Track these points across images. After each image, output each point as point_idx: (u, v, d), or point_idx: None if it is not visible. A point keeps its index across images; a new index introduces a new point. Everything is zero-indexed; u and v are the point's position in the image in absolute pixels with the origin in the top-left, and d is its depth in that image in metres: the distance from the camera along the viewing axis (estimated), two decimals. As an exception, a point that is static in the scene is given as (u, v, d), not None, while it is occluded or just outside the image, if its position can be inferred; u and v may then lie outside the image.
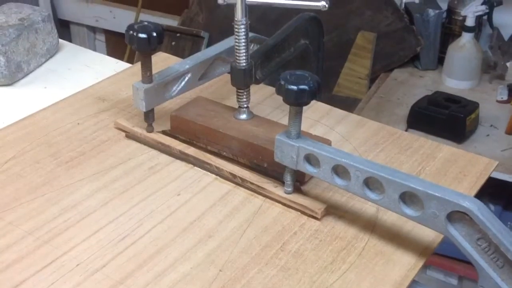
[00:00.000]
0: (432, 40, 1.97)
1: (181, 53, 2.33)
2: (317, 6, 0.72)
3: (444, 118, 1.67)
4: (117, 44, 2.71)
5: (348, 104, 1.94)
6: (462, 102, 1.71)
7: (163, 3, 2.55)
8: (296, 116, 0.67)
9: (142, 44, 0.75)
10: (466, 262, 1.80)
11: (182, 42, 2.36)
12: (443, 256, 1.77)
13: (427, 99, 1.74)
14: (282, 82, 0.65)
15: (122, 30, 2.85)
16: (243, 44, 0.76)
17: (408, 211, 0.61)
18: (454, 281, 1.83)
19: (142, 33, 0.75)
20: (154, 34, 0.75)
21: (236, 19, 0.75)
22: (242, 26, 0.75)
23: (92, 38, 2.84)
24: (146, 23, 0.77)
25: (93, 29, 2.83)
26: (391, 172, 0.62)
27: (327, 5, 0.71)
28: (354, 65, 2.07)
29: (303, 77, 0.65)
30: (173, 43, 2.39)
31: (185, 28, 2.36)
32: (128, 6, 2.62)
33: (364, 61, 2.05)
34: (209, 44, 2.31)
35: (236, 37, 0.76)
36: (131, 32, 0.75)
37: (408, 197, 0.61)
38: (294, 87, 0.64)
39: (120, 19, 2.65)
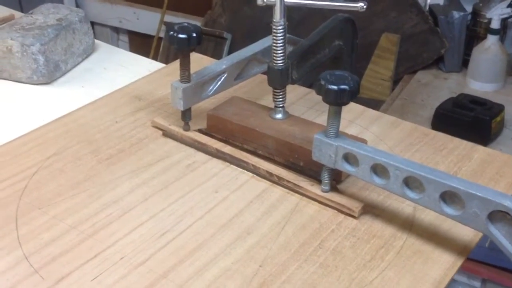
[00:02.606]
0: (456, 42, 1.97)
1: (204, 54, 2.35)
2: (355, 7, 0.73)
3: (469, 121, 1.67)
4: (140, 45, 2.74)
5: (371, 106, 1.93)
6: (487, 105, 1.71)
7: (186, 5, 2.57)
8: (335, 115, 0.68)
9: (182, 44, 0.77)
10: (490, 265, 1.79)
11: (205, 43, 2.38)
12: (467, 259, 1.77)
13: (452, 101, 1.74)
14: (322, 82, 0.66)
15: (146, 31, 2.86)
16: (281, 44, 0.77)
17: (449, 210, 0.62)
18: (477, 284, 1.82)
19: (182, 33, 0.77)
20: (194, 34, 0.77)
21: (274, 20, 0.76)
22: (280, 27, 0.76)
23: (115, 39, 2.88)
24: (185, 24, 0.78)
25: (116, 30, 2.87)
26: (432, 171, 0.62)
27: (365, 6, 0.72)
28: (378, 67, 2.07)
29: (343, 77, 0.66)
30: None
31: (208, 29, 2.38)
32: (152, 7, 2.65)
33: (387, 63, 2.05)
34: (231, 45, 2.33)
35: (274, 37, 0.77)
36: (171, 32, 0.77)
37: (448, 197, 0.62)
38: (335, 87, 0.65)
39: (144, 20, 2.69)
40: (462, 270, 1.81)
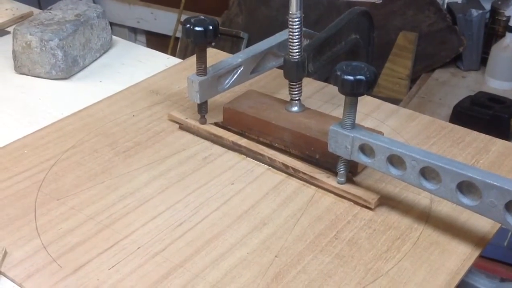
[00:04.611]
0: (475, 40, 1.96)
1: (221, 54, 2.36)
2: (371, -1, 0.73)
3: (488, 119, 1.66)
4: (157, 45, 2.74)
5: (388, 104, 1.93)
6: (506, 103, 1.69)
7: (203, 4, 2.59)
8: (351, 106, 0.68)
9: (199, 37, 0.77)
10: (508, 264, 1.76)
11: (222, 43, 2.39)
12: (484, 258, 1.75)
13: (470, 99, 1.73)
14: (339, 73, 0.66)
15: (163, 31, 2.87)
16: (297, 37, 0.77)
17: (466, 200, 0.62)
18: (495, 283, 1.80)
19: (198, 26, 0.77)
20: (210, 27, 0.77)
21: (290, 12, 0.76)
22: (297, 19, 0.76)
23: (133, 39, 2.90)
24: (202, 17, 0.79)
25: (134, 30, 2.89)
26: (449, 161, 0.62)
27: (381, -2, 0.72)
28: (395, 66, 2.06)
29: (359, 67, 0.66)
30: (213, 43, 2.42)
31: (225, 28, 2.39)
32: (169, 8, 2.67)
33: (405, 62, 2.04)
34: (248, 45, 2.33)
35: (290, 30, 0.77)
36: (188, 25, 0.77)
37: (465, 187, 0.61)
38: (351, 77, 0.65)
39: (161, 20, 2.70)
40: (480, 269, 1.79)
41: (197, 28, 0.77)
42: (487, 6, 1.97)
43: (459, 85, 1.93)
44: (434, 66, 2.02)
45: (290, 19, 0.76)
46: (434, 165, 0.62)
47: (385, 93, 2.07)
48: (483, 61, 1.96)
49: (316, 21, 2.03)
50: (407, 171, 0.65)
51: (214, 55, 1.03)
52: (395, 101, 1.98)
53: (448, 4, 2.03)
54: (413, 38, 2.02)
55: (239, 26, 2.40)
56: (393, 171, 0.66)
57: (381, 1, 0.72)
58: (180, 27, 2.54)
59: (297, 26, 0.77)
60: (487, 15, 1.96)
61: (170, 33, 2.59)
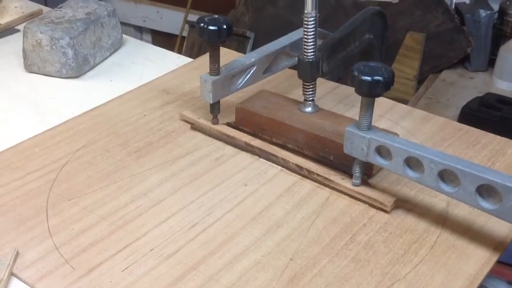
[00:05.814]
0: (483, 41, 1.95)
1: (227, 53, 2.35)
2: (388, -1, 0.72)
3: (496, 120, 1.65)
4: (163, 44, 2.73)
5: (395, 105, 1.92)
6: (515, 104, 1.68)
7: (210, 3, 2.57)
8: (368, 107, 0.67)
9: (212, 36, 0.77)
10: (517, 267, 1.74)
11: (228, 42, 2.36)
12: (492, 261, 1.74)
13: (478, 101, 1.72)
14: (356, 73, 0.65)
15: (169, 30, 2.86)
16: (312, 36, 0.76)
17: (485, 204, 0.61)
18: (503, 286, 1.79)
19: (212, 25, 0.76)
20: (224, 26, 0.77)
21: (306, 11, 0.75)
22: (312, 19, 0.76)
23: (138, 38, 2.89)
24: (216, 16, 0.78)
25: (140, 29, 2.88)
26: (468, 164, 0.61)
27: (398, -2, 0.71)
28: (402, 66, 2.05)
29: (377, 68, 0.65)
30: (220, 42, 2.41)
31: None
32: (175, 7, 2.66)
33: (412, 62, 2.03)
34: (254, 44, 2.33)
35: (305, 29, 0.76)
36: (202, 24, 0.77)
37: (485, 190, 0.60)
38: (368, 78, 0.64)
39: (167, 19, 2.70)
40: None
41: (211, 27, 0.76)
42: (495, 7, 1.96)
43: (467, 86, 1.92)
44: (442, 67, 2.01)
45: (305, 19, 0.76)
46: (453, 168, 0.61)
47: (392, 94, 2.05)
48: (491, 62, 1.95)
49: (323, 21, 2.02)
50: (425, 174, 0.64)
51: (225, 55, 1.02)
52: (402, 102, 1.96)
53: (456, 4, 2.02)
54: (421, 38, 2.01)
55: (245, 25, 2.39)
56: (411, 173, 0.66)
57: (397, 1, 0.71)
58: (186, 26, 2.53)
59: (312, 25, 0.76)
60: (495, 16, 1.95)
61: (176, 32, 2.59)
